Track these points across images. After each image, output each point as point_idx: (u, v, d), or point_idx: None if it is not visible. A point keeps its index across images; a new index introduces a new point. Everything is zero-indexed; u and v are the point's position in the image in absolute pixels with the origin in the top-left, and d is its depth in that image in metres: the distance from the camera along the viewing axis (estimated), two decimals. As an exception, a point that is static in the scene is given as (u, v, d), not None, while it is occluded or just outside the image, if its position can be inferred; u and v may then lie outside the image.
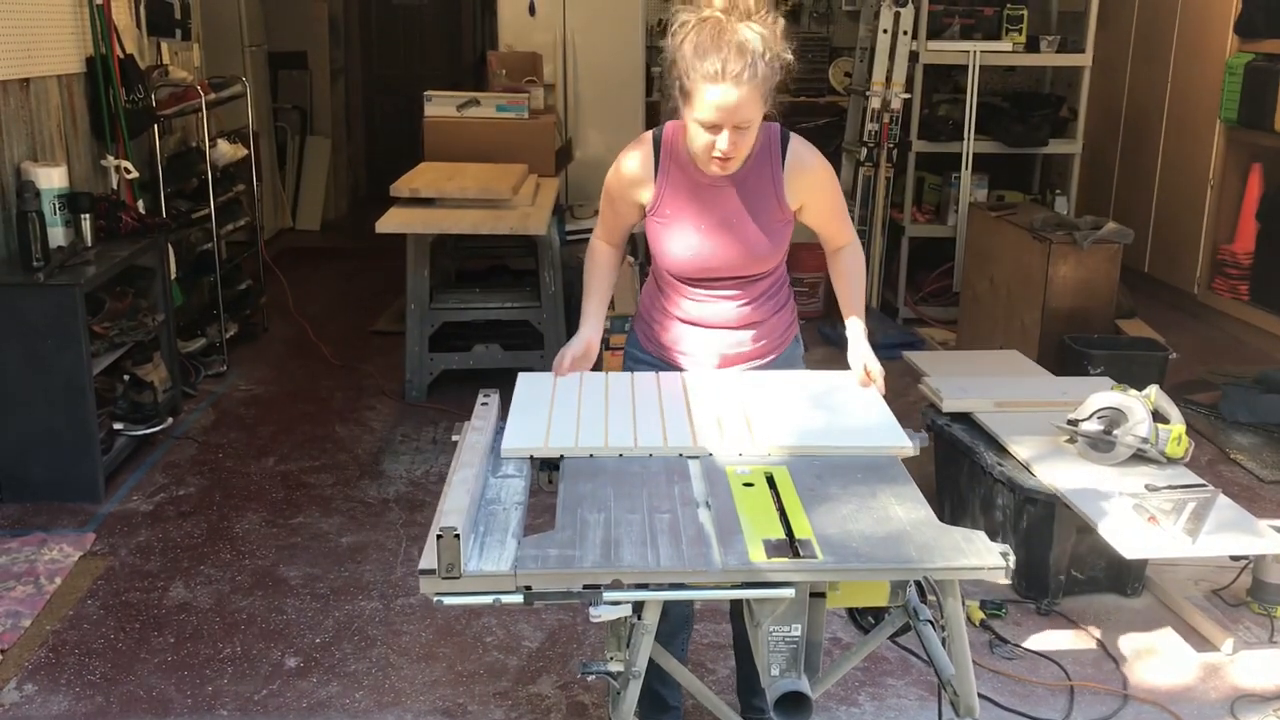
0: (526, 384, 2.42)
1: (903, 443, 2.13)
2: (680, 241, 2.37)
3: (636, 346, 2.60)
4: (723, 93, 2.11)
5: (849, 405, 2.32)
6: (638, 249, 5.89)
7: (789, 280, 2.57)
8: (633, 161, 2.39)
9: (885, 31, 6.00)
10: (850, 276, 2.51)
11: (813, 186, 2.38)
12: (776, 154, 2.34)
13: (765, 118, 2.25)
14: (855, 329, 2.44)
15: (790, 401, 2.32)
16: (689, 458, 2.08)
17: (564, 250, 5.23)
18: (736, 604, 2.41)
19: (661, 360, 2.53)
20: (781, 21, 2.19)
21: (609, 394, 2.35)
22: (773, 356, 2.52)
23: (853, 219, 6.15)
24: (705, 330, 2.46)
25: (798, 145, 2.37)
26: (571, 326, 5.07)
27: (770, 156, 2.33)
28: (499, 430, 2.21)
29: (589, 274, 2.56)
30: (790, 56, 2.20)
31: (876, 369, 2.37)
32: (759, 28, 2.13)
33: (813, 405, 2.31)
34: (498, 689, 2.95)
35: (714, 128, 2.17)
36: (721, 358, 2.48)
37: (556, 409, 2.27)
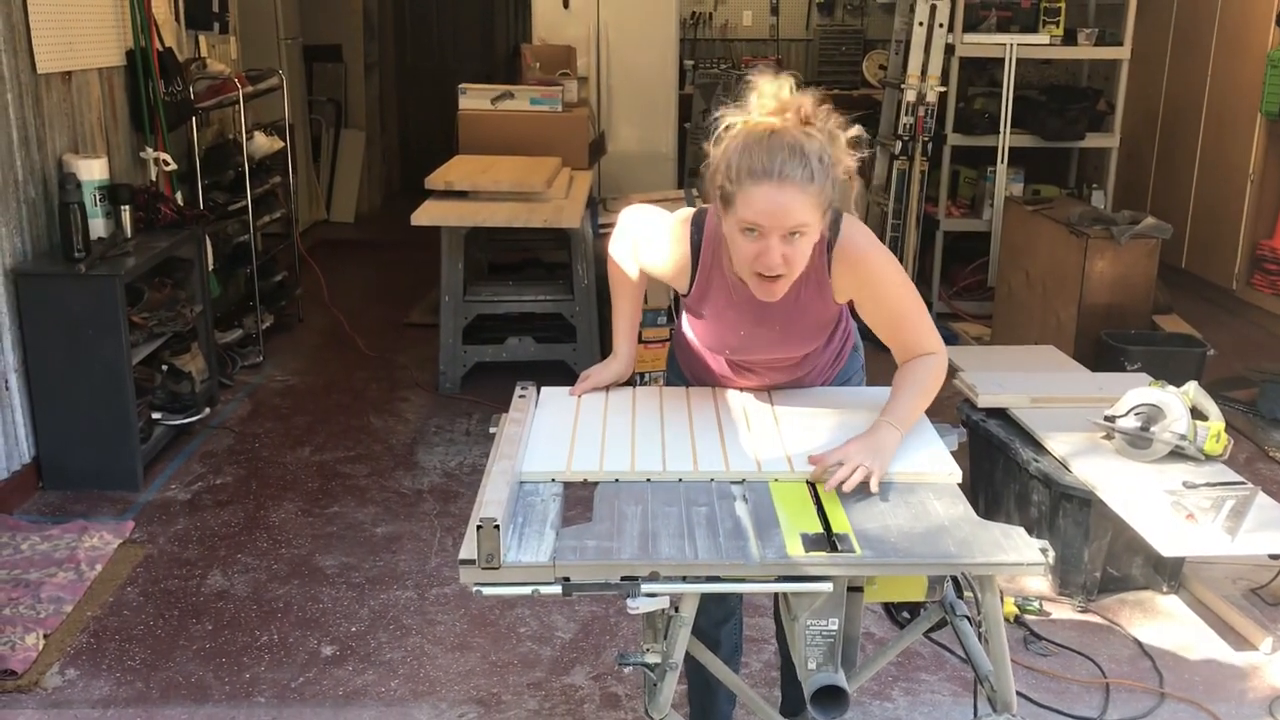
0: (550, 400, 2.31)
1: (949, 468, 2.00)
2: (717, 336, 2.22)
3: (679, 378, 2.44)
4: (770, 192, 1.85)
5: None
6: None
7: (845, 312, 2.28)
8: (666, 255, 2.17)
9: (921, 24, 5.96)
10: (907, 382, 2.09)
11: (865, 283, 2.08)
12: (822, 254, 2.04)
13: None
14: (884, 424, 2.03)
15: (828, 423, 2.18)
16: (720, 483, 1.97)
17: (597, 243, 5.24)
18: (778, 597, 2.33)
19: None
20: (852, 130, 1.95)
21: (636, 412, 2.24)
22: (828, 378, 2.37)
23: (887, 213, 6.23)
24: (756, 381, 2.32)
25: (850, 230, 2.05)
26: (604, 320, 5.08)
27: (816, 257, 2.02)
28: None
29: (616, 287, 2.38)
30: (852, 164, 1.96)
31: (845, 472, 1.91)
32: (817, 135, 1.90)
33: (853, 426, 2.14)
34: (531, 679, 2.97)
35: (759, 232, 1.89)
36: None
37: (581, 428, 2.17)
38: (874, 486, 1.91)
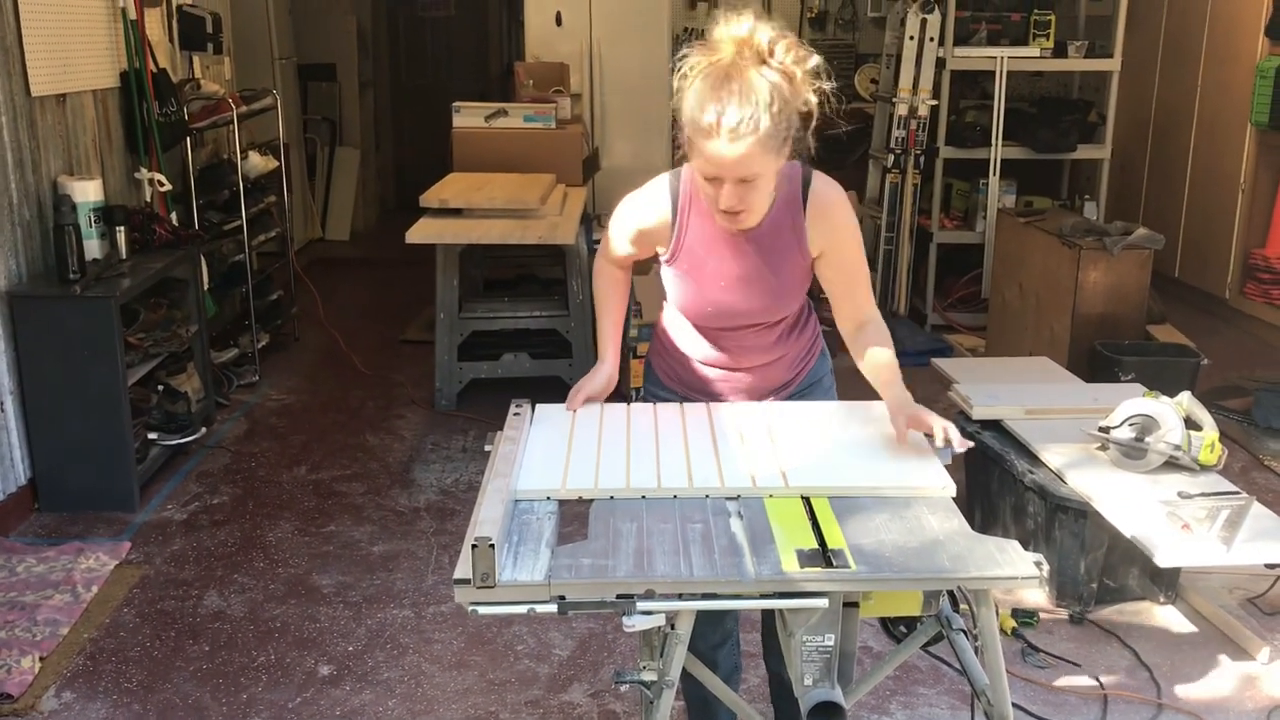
0: (544, 417, 2.30)
1: (943, 481, 2.01)
2: (698, 294, 2.26)
3: (658, 385, 2.47)
4: (718, 147, 1.94)
5: (883, 439, 2.19)
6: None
7: (810, 304, 2.41)
8: (647, 214, 2.25)
9: (912, 38, 6.00)
10: (885, 363, 2.19)
11: (835, 229, 2.19)
12: (798, 197, 2.17)
13: (792, 157, 2.08)
14: (897, 398, 2.15)
15: (822, 436, 2.20)
16: (715, 499, 1.97)
17: (592, 259, 5.24)
18: (768, 612, 2.33)
19: (688, 398, 2.41)
20: (811, 59, 1.98)
21: (631, 428, 2.24)
22: (800, 374, 2.41)
23: (881, 226, 6.25)
24: (732, 371, 2.37)
25: (820, 184, 2.18)
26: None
27: (791, 200, 2.16)
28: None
29: (602, 298, 2.42)
30: (813, 98, 1.99)
31: (939, 423, 2.07)
32: (772, 74, 1.94)
33: (846, 440, 2.18)
34: (529, 697, 2.97)
35: (715, 181, 2.02)
36: (754, 391, 2.38)
37: (575, 445, 2.16)
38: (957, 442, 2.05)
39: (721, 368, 2.36)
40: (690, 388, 2.41)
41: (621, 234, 2.33)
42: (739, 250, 2.18)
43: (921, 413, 2.10)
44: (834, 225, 2.18)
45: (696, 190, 2.14)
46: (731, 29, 1.96)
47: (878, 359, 2.21)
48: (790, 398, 2.41)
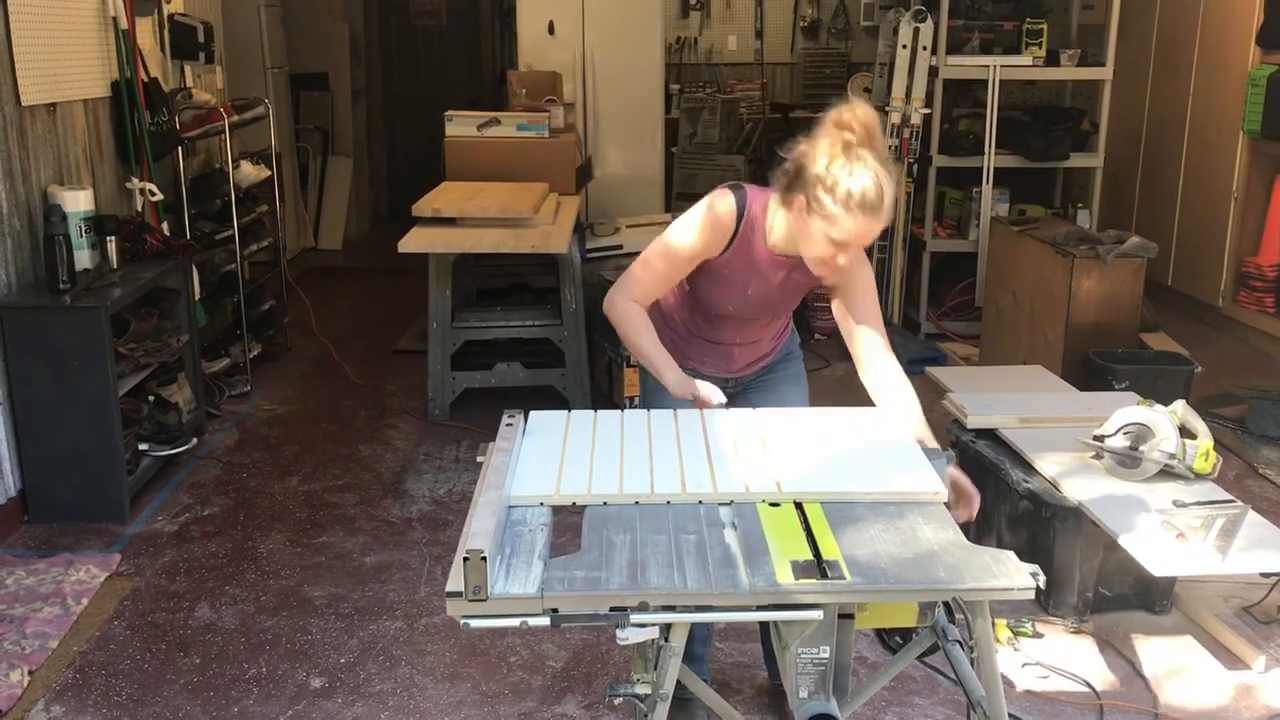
0: (538, 424, 2.32)
1: (936, 487, 2.03)
2: (725, 296, 2.52)
3: None
4: (868, 223, 2.18)
5: (876, 445, 2.21)
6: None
7: None
8: (714, 237, 2.42)
9: (904, 47, 6.00)
10: (911, 401, 2.37)
11: (855, 264, 2.37)
12: None
13: None
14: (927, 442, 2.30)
15: (815, 442, 2.23)
16: (708, 505, 1.99)
17: (585, 268, 5.24)
18: (768, 623, 2.41)
19: (682, 367, 2.56)
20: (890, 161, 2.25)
21: (624, 434, 2.26)
22: (776, 348, 2.74)
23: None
24: (727, 346, 2.66)
25: None
26: (593, 345, 5.08)
27: None
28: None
29: (639, 332, 2.49)
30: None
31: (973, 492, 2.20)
32: (888, 168, 2.19)
33: (839, 446, 2.21)
34: (523, 710, 2.95)
35: (843, 246, 2.23)
36: (740, 362, 2.69)
37: (569, 451, 2.18)
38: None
39: (713, 342, 2.64)
40: (685, 357, 2.63)
41: (677, 252, 2.45)
42: (770, 273, 2.47)
43: (965, 484, 2.20)
44: (854, 264, 2.35)
45: (759, 218, 2.40)
46: (860, 113, 2.18)
47: (903, 400, 2.38)
48: (766, 368, 2.73)
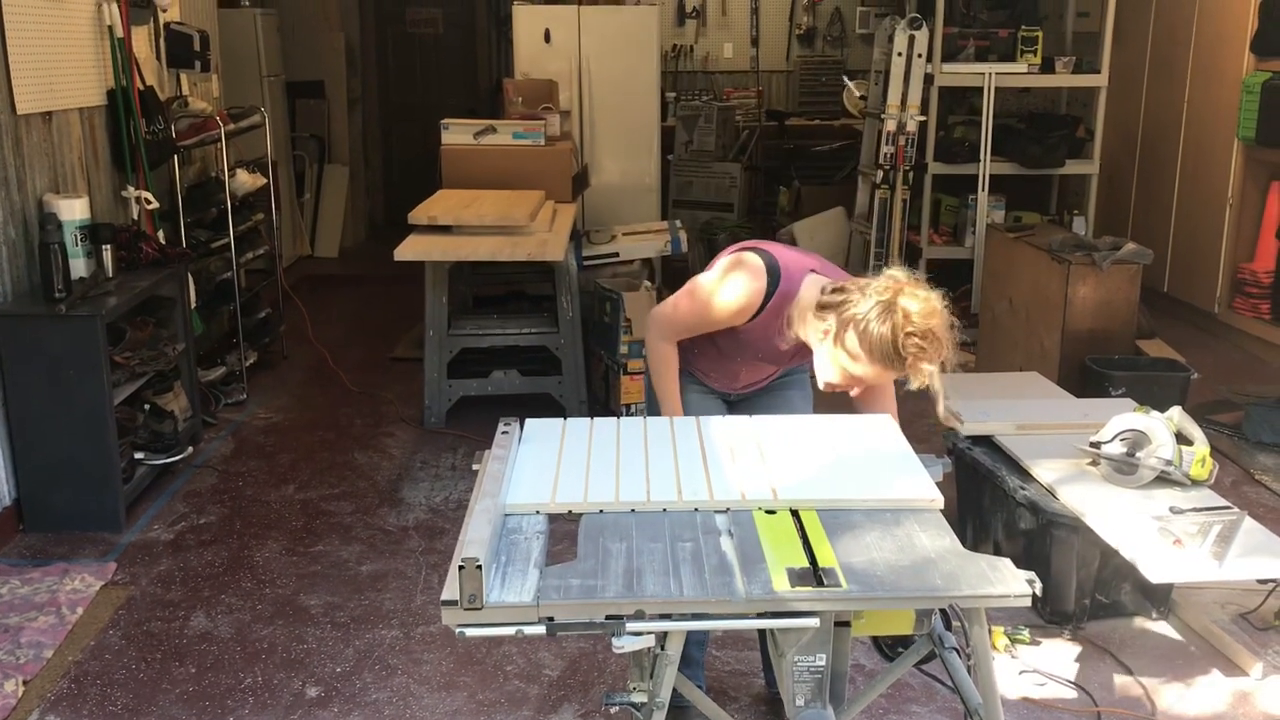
0: (534, 432, 2.33)
1: (932, 494, 2.04)
2: (734, 351, 2.58)
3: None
4: (894, 375, 2.23)
5: (872, 452, 2.22)
6: (655, 274, 5.90)
7: None
8: (742, 313, 2.44)
9: (900, 54, 6.01)
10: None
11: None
12: None
13: None
14: None
15: (811, 450, 2.23)
16: (705, 512, 1.99)
17: (581, 276, 5.24)
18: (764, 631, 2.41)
19: (689, 372, 2.68)
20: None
21: (620, 442, 2.26)
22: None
23: (870, 242, 6.26)
24: (733, 366, 2.67)
25: None
26: (590, 352, 5.08)
27: None
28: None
29: (663, 376, 2.58)
30: None
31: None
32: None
33: (835, 453, 2.22)
34: (519, 718, 2.94)
35: (860, 380, 2.26)
36: (744, 381, 2.71)
37: (565, 459, 2.18)
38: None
39: (725, 367, 2.69)
40: (693, 368, 2.69)
41: (707, 322, 2.50)
42: (783, 346, 2.42)
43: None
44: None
45: (786, 301, 2.37)
46: (934, 306, 2.18)
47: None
48: (773, 381, 2.75)
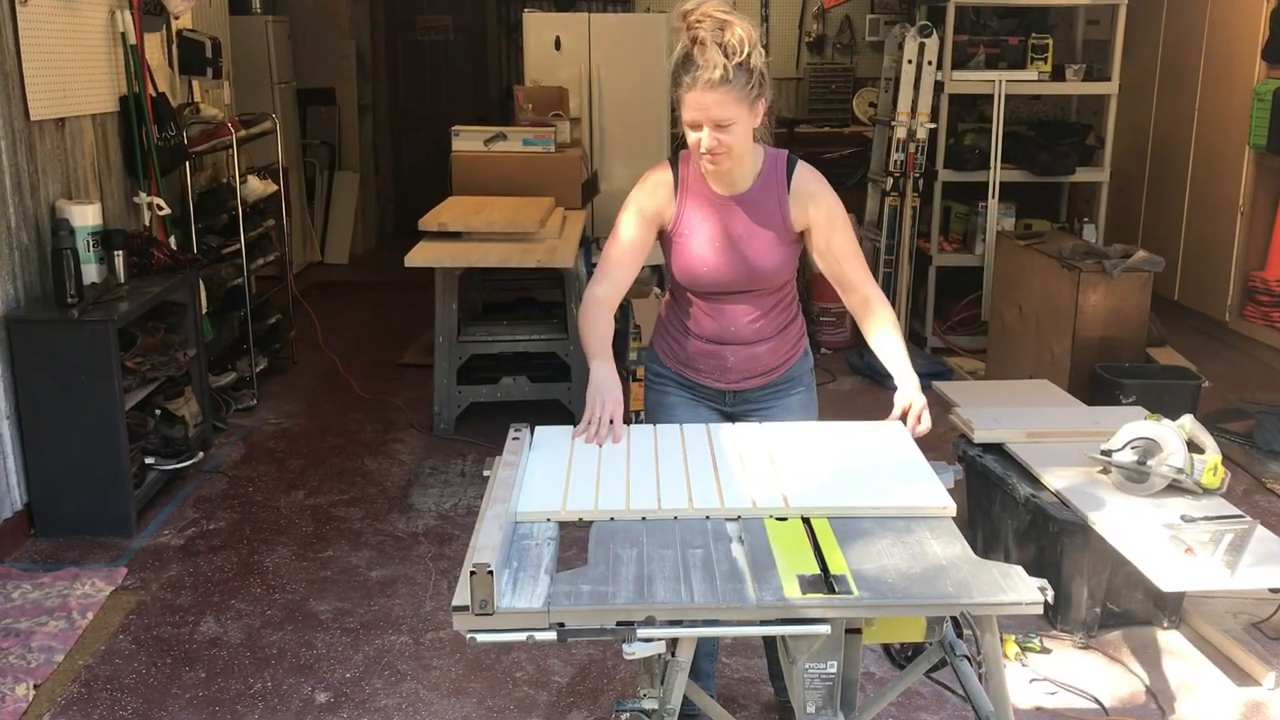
0: (544, 440, 2.32)
1: (944, 502, 2.02)
2: (695, 256, 2.50)
3: (656, 361, 2.71)
4: (697, 95, 2.27)
5: (883, 460, 2.21)
6: (664, 280, 5.90)
7: (798, 299, 2.67)
8: (657, 191, 2.52)
9: (910, 62, 6.01)
10: (893, 339, 2.51)
11: (818, 209, 2.48)
12: (783, 178, 2.48)
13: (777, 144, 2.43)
14: (904, 376, 2.45)
15: (822, 457, 2.22)
16: (715, 520, 1.98)
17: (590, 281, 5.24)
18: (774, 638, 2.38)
19: (680, 375, 2.64)
20: (755, 31, 2.32)
21: (631, 450, 2.26)
22: (783, 368, 2.63)
23: (880, 249, 6.25)
24: (720, 346, 2.57)
25: (803, 170, 2.51)
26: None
27: (777, 180, 2.48)
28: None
29: (593, 322, 2.47)
30: (765, 65, 2.32)
31: (919, 401, 2.40)
32: (735, 42, 2.26)
33: (846, 461, 2.21)
34: (528, 725, 2.94)
35: (696, 125, 2.31)
36: (736, 372, 2.59)
37: (576, 466, 2.17)
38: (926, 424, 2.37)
39: (712, 341, 2.57)
40: (682, 364, 2.63)
41: (633, 217, 2.53)
42: (731, 214, 2.47)
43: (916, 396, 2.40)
44: (816, 204, 2.47)
45: (692, 167, 2.46)
46: (708, 7, 2.27)
47: (884, 346, 2.51)
48: (770, 385, 2.62)
